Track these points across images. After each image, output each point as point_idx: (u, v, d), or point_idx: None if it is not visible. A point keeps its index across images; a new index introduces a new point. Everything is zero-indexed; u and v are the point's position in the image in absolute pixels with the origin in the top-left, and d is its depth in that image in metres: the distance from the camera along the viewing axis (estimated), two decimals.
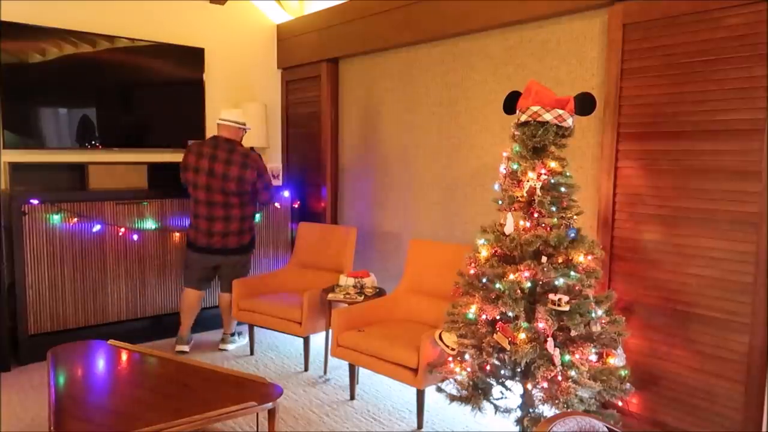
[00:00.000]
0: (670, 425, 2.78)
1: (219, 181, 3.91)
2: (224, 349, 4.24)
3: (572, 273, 2.51)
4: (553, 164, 2.58)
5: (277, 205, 4.87)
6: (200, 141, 4.12)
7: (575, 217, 2.61)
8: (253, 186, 4.01)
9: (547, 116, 2.54)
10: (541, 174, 2.57)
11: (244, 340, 4.39)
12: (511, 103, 2.72)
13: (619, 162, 2.95)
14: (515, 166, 2.66)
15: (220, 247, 4.04)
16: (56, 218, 3.87)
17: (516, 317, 2.54)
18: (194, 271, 4.11)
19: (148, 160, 4.61)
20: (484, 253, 2.71)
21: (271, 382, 2.64)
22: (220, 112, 4.10)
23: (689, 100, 2.67)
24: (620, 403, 2.84)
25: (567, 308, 2.47)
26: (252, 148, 4.34)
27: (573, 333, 2.50)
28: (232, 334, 4.31)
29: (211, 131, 4.97)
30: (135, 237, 4.19)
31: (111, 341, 3.16)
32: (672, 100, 2.73)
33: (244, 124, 4.09)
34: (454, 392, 2.83)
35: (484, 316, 2.65)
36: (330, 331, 3.57)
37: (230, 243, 4.05)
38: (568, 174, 2.62)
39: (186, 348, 4.12)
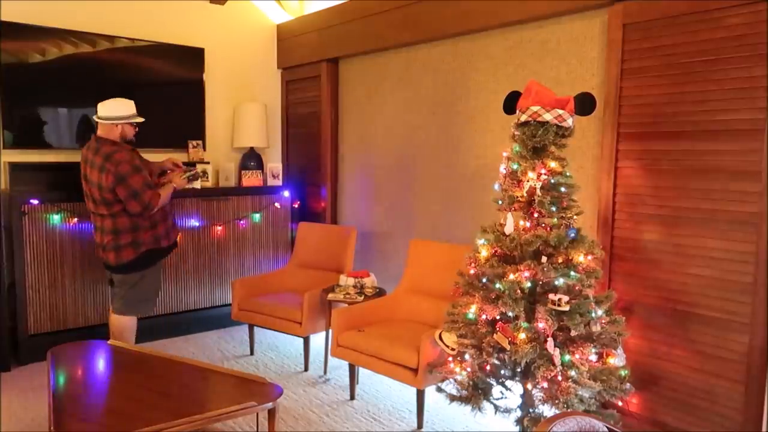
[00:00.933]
0: (670, 425, 2.78)
1: (87, 186, 3.41)
2: None
3: (572, 273, 2.51)
4: (553, 164, 2.58)
5: (277, 205, 4.87)
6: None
7: (575, 217, 2.61)
8: (113, 194, 3.31)
9: (547, 116, 2.54)
10: (541, 174, 2.57)
11: None
12: (511, 103, 2.72)
13: (619, 162, 2.94)
14: (515, 166, 2.66)
15: (104, 261, 3.53)
16: (56, 218, 3.88)
17: (516, 317, 2.54)
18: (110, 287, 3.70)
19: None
20: (484, 253, 2.71)
21: (271, 382, 2.64)
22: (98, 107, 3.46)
23: (689, 100, 2.67)
24: (620, 403, 2.83)
25: (567, 308, 2.47)
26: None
27: (573, 333, 2.50)
28: None
29: (211, 131, 4.98)
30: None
31: (111, 341, 3.15)
32: (672, 100, 2.73)
33: (121, 119, 3.40)
34: (454, 392, 2.83)
35: (484, 316, 2.65)
36: (330, 331, 3.57)
37: (109, 258, 3.46)
38: (568, 174, 2.62)
39: None
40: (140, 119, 3.52)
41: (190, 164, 4.08)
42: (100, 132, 3.42)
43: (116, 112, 3.41)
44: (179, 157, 4.74)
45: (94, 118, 3.43)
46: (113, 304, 3.62)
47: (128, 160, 3.33)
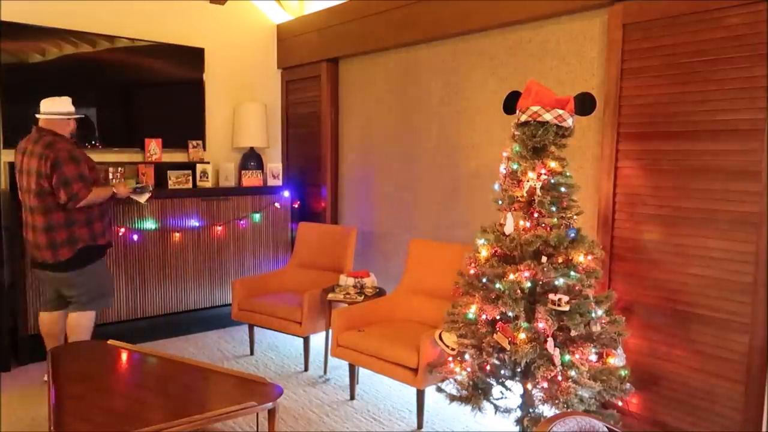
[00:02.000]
0: (670, 425, 2.78)
1: (33, 179, 3.28)
2: None
3: (572, 273, 2.51)
4: (553, 164, 2.58)
5: (277, 205, 4.87)
6: (26, 136, 3.46)
7: (575, 217, 2.61)
8: (49, 182, 3.24)
9: (547, 116, 2.54)
10: (541, 174, 2.57)
11: None
12: (511, 103, 2.72)
13: (619, 162, 2.94)
14: (515, 166, 2.66)
15: (38, 260, 3.39)
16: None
17: (516, 317, 2.54)
18: (44, 289, 3.62)
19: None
20: (484, 253, 2.71)
21: (271, 382, 2.64)
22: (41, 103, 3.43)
23: (689, 100, 2.67)
24: (620, 403, 2.83)
25: (567, 308, 2.46)
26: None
27: (573, 333, 2.50)
28: None
29: (211, 131, 4.98)
30: (135, 237, 4.19)
31: (111, 341, 3.15)
32: (672, 100, 2.73)
33: (72, 114, 3.46)
34: (454, 392, 2.83)
35: (484, 316, 2.65)
36: (330, 331, 3.57)
37: (44, 257, 3.34)
38: (568, 174, 2.62)
39: None
40: (79, 116, 3.58)
41: (141, 184, 3.99)
42: (46, 126, 3.38)
43: (68, 107, 3.45)
44: (180, 157, 4.76)
45: (44, 114, 3.37)
46: (68, 303, 3.49)
47: (68, 149, 3.32)
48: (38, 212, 3.31)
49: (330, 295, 3.69)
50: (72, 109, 3.47)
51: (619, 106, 2.92)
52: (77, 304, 3.47)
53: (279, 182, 4.96)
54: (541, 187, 2.57)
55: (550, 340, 2.45)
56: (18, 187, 3.42)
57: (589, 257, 2.56)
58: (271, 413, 2.48)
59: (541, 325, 2.46)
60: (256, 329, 4.16)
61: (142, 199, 3.93)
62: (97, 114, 4.38)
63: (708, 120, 2.62)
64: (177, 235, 4.40)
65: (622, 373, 2.61)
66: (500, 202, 2.72)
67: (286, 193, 4.93)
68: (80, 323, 3.47)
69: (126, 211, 4.16)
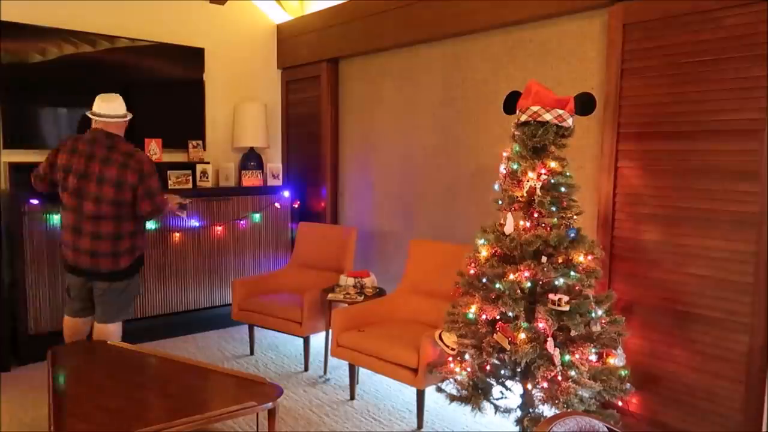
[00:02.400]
0: (670, 425, 2.78)
1: (93, 185, 3.13)
2: None
3: (572, 273, 2.51)
4: (553, 164, 2.58)
5: (277, 205, 4.87)
6: (76, 136, 3.34)
7: (575, 217, 2.61)
8: (133, 193, 3.17)
9: (547, 116, 2.54)
10: (541, 174, 2.57)
11: None
12: (511, 103, 2.72)
13: (619, 162, 2.94)
14: (515, 166, 2.66)
15: (89, 267, 3.21)
16: (56, 218, 3.87)
17: (516, 317, 2.54)
18: (70, 293, 3.39)
19: None
20: (484, 253, 2.71)
21: (271, 382, 2.64)
22: (95, 102, 3.31)
23: (689, 100, 2.67)
24: (620, 403, 2.83)
25: (567, 308, 2.46)
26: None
27: (573, 333, 2.50)
28: None
29: (211, 131, 4.98)
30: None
31: (111, 341, 3.15)
32: (672, 100, 2.73)
33: (126, 116, 3.34)
34: (454, 392, 2.83)
35: (484, 316, 2.65)
36: (330, 331, 3.56)
37: (101, 265, 3.20)
38: (568, 174, 2.62)
39: None
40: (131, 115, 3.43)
41: (186, 201, 3.93)
42: (109, 128, 3.23)
43: (124, 108, 3.32)
44: (180, 157, 4.76)
45: (100, 117, 3.24)
46: (96, 314, 3.34)
47: (149, 160, 3.28)
48: (108, 220, 3.17)
49: (330, 295, 3.69)
50: (125, 110, 3.34)
51: (619, 106, 2.92)
52: (106, 315, 3.32)
53: (279, 182, 4.96)
54: (541, 187, 2.57)
55: (550, 340, 2.45)
56: (61, 188, 3.23)
57: (589, 257, 2.56)
58: (271, 413, 2.48)
59: (541, 325, 2.46)
60: (256, 329, 4.16)
61: (183, 214, 3.98)
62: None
63: (708, 120, 2.62)
64: (177, 235, 4.40)
65: (622, 373, 2.61)
66: (500, 202, 2.72)
67: (286, 193, 4.93)
68: (108, 334, 3.33)
69: None
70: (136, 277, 3.43)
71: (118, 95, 3.35)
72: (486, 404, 2.77)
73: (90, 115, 3.28)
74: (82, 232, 3.18)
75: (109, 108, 3.26)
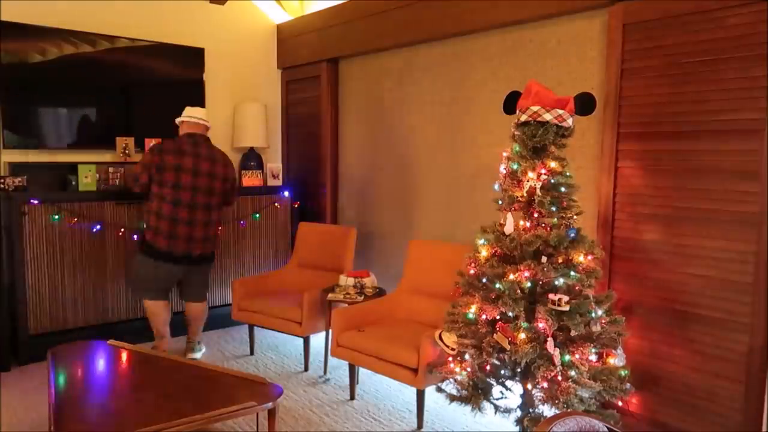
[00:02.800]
0: (670, 425, 2.78)
1: (205, 180, 3.70)
2: (194, 358, 3.97)
3: (572, 273, 2.51)
4: (553, 164, 2.58)
5: (277, 205, 4.87)
6: (172, 139, 3.79)
7: (575, 217, 2.61)
8: (232, 185, 3.90)
9: (547, 116, 2.54)
10: (541, 174, 2.57)
11: (204, 348, 4.18)
12: (511, 103, 2.72)
13: (619, 162, 2.95)
14: (515, 166, 2.66)
15: (199, 253, 3.79)
16: (56, 218, 3.87)
17: (516, 317, 2.54)
18: (159, 281, 3.80)
19: None
20: (484, 253, 2.71)
21: (271, 382, 2.64)
22: (185, 109, 3.85)
23: (689, 100, 2.67)
24: (620, 403, 2.84)
25: (567, 308, 2.46)
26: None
27: (573, 333, 2.50)
28: (199, 342, 4.11)
29: (211, 131, 4.95)
30: (135, 237, 4.18)
31: (111, 341, 3.16)
32: (672, 100, 2.73)
33: (208, 121, 3.90)
34: (454, 392, 2.83)
35: (484, 316, 2.65)
36: (330, 331, 3.56)
37: (207, 249, 3.84)
38: (568, 174, 2.62)
39: (199, 354, 4.06)
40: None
41: None
42: (202, 132, 3.80)
43: (206, 115, 3.86)
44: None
45: (194, 119, 3.77)
46: (192, 294, 3.97)
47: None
48: (209, 209, 3.75)
49: (330, 295, 3.69)
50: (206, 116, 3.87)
51: (619, 106, 2.92)
52: (204, 293, 4.02)
53: (279, 182, 4.96)
54: (541, 187, 2.57)
55: (550, 340, 2.45)
56: (164, 184, 3.62)
57: (589, 257, 2.56)
58: (271, 413, 2.48)
59: (541, 325, 2.46)
60: (256, 329, 4.16)
61: None
62: (97, 114, 4.37)
63: (708, 120, 2.62)
64: None
65: (622, 373, 2.61)
66: (500, 202, 2.72)
67: (286, 193, 4.93)
68: (205, 310, 4.03)
69: (126, 211, 4.15)
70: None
71: (202, 108, 4.03)
72: (486, 404, 2.77)
73: (188, 119, 3.79)
74: (195, 222, 3.70)
75: (202, 114, 3.82)
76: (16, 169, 4.01)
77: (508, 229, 2.64)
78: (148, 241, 3.72)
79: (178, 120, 3.85)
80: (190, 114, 3.79)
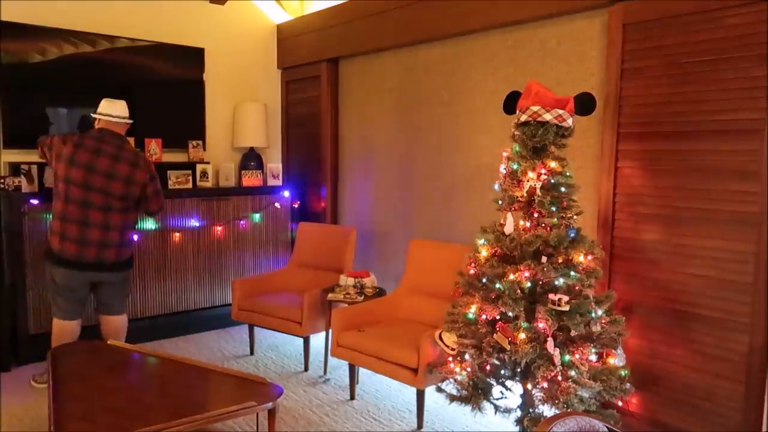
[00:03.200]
0: (670, 425, 2.78)
1: (101, 178, 3.25)
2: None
3: (572, 273, 2.51)
4: (553, 164, 2.58)
5: (277, 205, 4.87)
6: (83, 133, 3.43)
7: (575, 217, 2.61)
8: (142, 191, 3.39)
9: (547, 116, 2.54)
10: (541, 174, 2.57)
11: None
12: (511, 103, 2.72)
13: (619, 162, 2.94)
14: (515, 166, 2.66)
15: (94, 261, 3.30)
16: None
17: (516, 317, 2.54)
18: (68, 294, 3.34)
19: None
20: (484, 253, 2.71)
21: (271, 382, 2.64)
22: (102, 102, 3.44)
23: (689, 100, 2.67)
24: (620, 403, 2.83)
25: (567, 308, 2.46)
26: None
27: (573, 333, 2.50)
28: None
29: (211, 131, 4.98)
30: (135, 237, 4.18)
31: (111, 341, 3.15)
32: (672, 100, 2.73)
33: (128, 119, 3.48)
34: (454, 392, 2.83)
35: (484, 316, 2.65)
36: (330, 331, 3.56)
37: (108, 256, 3.33)
38: (568, 174, 2.62)
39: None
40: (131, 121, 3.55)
41: None
42: (116, 128, 3.40)
43: (127, 112, 3.48)
44: (180, 157, 4.76)
45: (107, 117, 3.38)
46: (106, 308, 3.51)
47: (150, 161, 3.52)
48: (111, 212, 3.32)
49: (330, 295, 3.69)
50: (127, 113, 3.49)
51: (619, 106, 2.92)
52: (117, 306, 3.56)
53: (279, 182, 4.96)
54: (541, 187, 2.57)
55: (550, 340, 2.45)
56: (63, 179, 3.25)
57: (589, 257, 2.56)
58: (271, 413, 2.48)
59: (541, 325, 2.46)
60: (256, 329, 4.16)
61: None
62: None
63: (708, 120, 2.62)
64: (177, 235, 4.39)
65: (622, 373, 2.61)
66: (500, 202, 2.72)
67: (286, 193, 4.93)
68: (123, 325, 3.60)
69: None
70: (131, 270, 3.63)
71: (122, 101, 3.49)
72: (486, 404, 2.77)
73: (96, 115, 3.42)
74: (89, 224, 3.28)
75: (116, 110, 3.42)
76: (16, 169, 4.00)
77: (508, 229, 2.64)
78: (47, 244, 3.38)
79: (93, 115, 3.46)
80: (104, 111, 3.39)
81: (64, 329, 3.38)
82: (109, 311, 3.54)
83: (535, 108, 2.56)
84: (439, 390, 2.94)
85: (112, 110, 3.40)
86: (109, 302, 3.53)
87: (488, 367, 2.71)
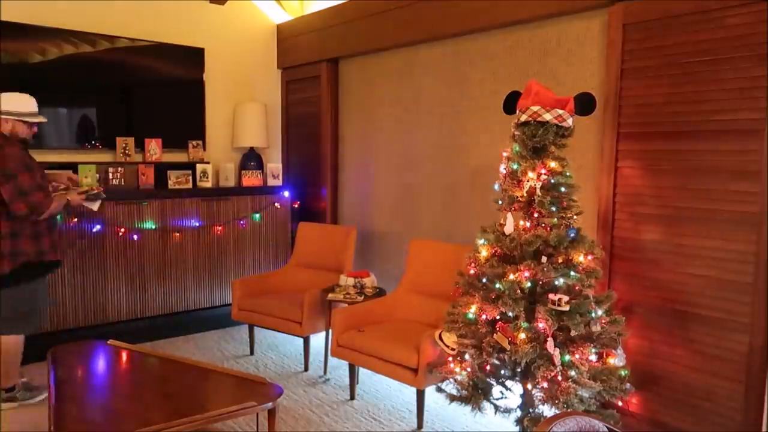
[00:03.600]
0: (670, 425, 2.78)
1: None
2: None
3: (572, 273, 2.51)
4: (553, 164, 2.58)
5: (277, 205, 4.87)
6: None
7: (575, 217, 2.61)
8: None
9: (547, 116, 2.54)
10: (541, 174, 2.57)
11: (34, 397, 3.28)
12: (511, 103, 2.72)
13: (619, 162, 2.94)
14: (515, 166, 2.66)
15: None
16: (56, 218, 3.86)
17: (516, 317, 2.54)
18: None
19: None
20: (484, 253, 2.71)
21: (271, 382, 2.64)
22: None
23: (689, 100, 2.67)
24: (620, 403, 2.83)
25: (567, 308, 2.46)
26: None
27: (573, 333, 2.50)
28: (10, 389, 3.22)
29: (211, 131, 4.98)
30: (135, 237, 4.19)
31: (111, 341, 3.15)
32: (672, 100, 2.73)
33: (11, 114, 3.08)
34: (454, 392, 2.83)
35: (484, 316, 2.65)
36: (330, 331, 3.56)
37: None
38: (568, 174, 2.62)
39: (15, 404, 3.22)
40: (40, 119, 3.21)
41: (94, 191, 3.57)
42: None
43: (10, 106, 3.08)
44: (180, 157, 4.76)
45: None
46: None
47: (18, 156, 3.01)
48: None
49: (330, 295, 3.69)
50: (16, 108, 3.09)
51: (619, 106, 2.92)
52: (3, 325, 3.10)
53: (279, 182, 4.96)
54: (541, 187, 2.57)
55: (550, 340, 2.45)
56: None
57: (589, 257, 2.56)
58: (271, 413, 2.48)
59: (541, 325, 2.46)
60: (256, 329, 4.16)
61: (95, 206, 3.59)
62: (96, 114, 4.38)
63: (708, 120, 2.62)
64: (177, 235, 4.40)
65: (622, 373, 2.61)
66: (500, 202, 2.72)
67: (286, 193, 4.93)
68: (8, 345, 3.13)
69: (125, 211, 4.16)
70: (31, 289, 3.16)
71: (20, 94, 3.15)
72: (486, 404, 2.77)
73: None
74: None
75: None
76: None
77: (508, 229, 2.64)
78: None
79: None
80: None
81: None
82: None
83: (535, 108, 2.56)
84: (439, 390, 2.94)
85: None
86: None
87: (488, 367, 2.71)
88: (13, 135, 3.10)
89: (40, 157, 4.14)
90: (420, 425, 3.11)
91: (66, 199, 3.28)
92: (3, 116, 3.05)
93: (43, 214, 3.08)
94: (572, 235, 2.57)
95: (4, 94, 3.11)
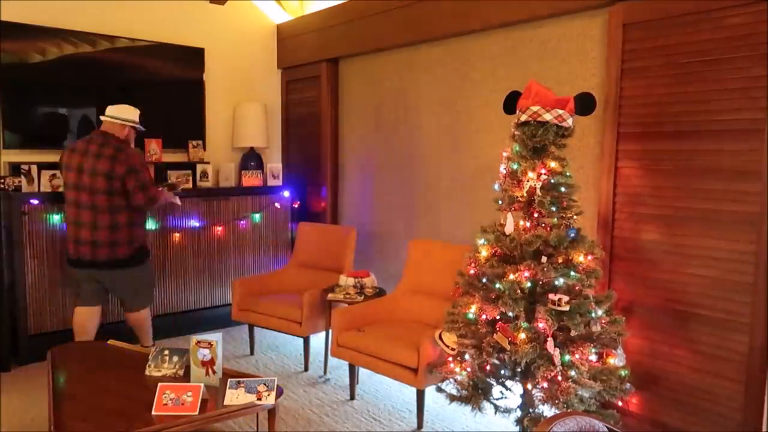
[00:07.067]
0: (670, 425, 2.78)
1: (88, 178, 3.36)
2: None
3: (572, 273, 2.51)
4: (553, 164, 2.58)
5: (277, 205, 4.87)
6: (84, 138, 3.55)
7: (575, 217, 2.61)
8: (123, 185, 3.38)
9: (547, 116, 2.54)
10: (541, 174, 2.57)
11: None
12: (511, 103, 2.72)
13: (619, 162, 2.94)
14: (515, 166, 2.66)
15: (90, 259, 3.44)
16: (56, 218, 3.87)
17: (516, 317, 2.54)
18: (77, 285, 3.58)
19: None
20: (484, 253, 2.71)
21: None
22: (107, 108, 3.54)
23: (690, 100, 2.67)
24: (620, 403, 2.83)
25: (567, 308, 2.46)
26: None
27: (573, 333, 2.50)
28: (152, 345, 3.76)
29: (211, 131, 4.98)
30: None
31: (111, 341, 3.15)
32: (672, 100, 2.73)
33: (130, 122, 3.53)
34: (454, 392, 2.83)
35: (484, 316, 2.65)
36: (330, 331, 3.57)
37: (100, 255, 3.43)
38: (568, 174, 2.62)
39: None
40: (142, 128, 3.65)
41: (171, 184, 4.05)
42: (107, 129, 3.49)
43: (127, 114, 3.54)
44: (180, 157, 4.76)
45: (105, 116, 3.50)
46: (122, 305, 3.71)
47: (139, 155, 3.62)
48: (98, 212, 3.40)
49: (330, 295, 3.69)
50: (132, 117, 3.56)
51: (619, 106, 2.92)
52: (128, 303, 3.66)
53: (279, 182, 4.96)
54: (541, 187, 2.57)
55: (550, 340, 2.45)
56: (64, 184, 3.51)
57: (589, 257, 2.56)
58: (271, 413, 2.48)
59: (541, 325, 2.46)
60: (256, 329, 4.16)
61: (178, 200, 4.03)
62: (96, 114, 4.37)
63: (708, 120, 2.62)
64: (177, 235, 4.39)
65: (622, 373, 2.61)
66: (500, 202, 2.72)
67: (286, 193, 4.93)
68: (140, 322, 3.72)
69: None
70: (143, 268, 3.66)
71: (130, 107, 3.60)
72: (486, 404, 2.77)
73: (103, 118, 3.53)
74: (81, 224, 3.42)
75: (111, 111, 3.51)
76: (16, 169, 4.00)
77: (508, 229, 2.64)
78: None
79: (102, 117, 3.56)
80: (107, 113, 3.51)
81: (79, 313, 3.58)
82: (124, 307, 3.70)
83: (535, 108, 2.56)
84: (439, 390, 2.94)
85: (110, 110, 3.51)
86: (121, 298, 3.72)
87: (488, 367, 2.71)
88: (129, 139, 3.59)
89: (41, 157, 4.16)
90: (420, 425, 3.11)
91: (164, 197, 3.76)
92: (122, 123, 3.52)
93: (155, 205, 3.63)
94: (572, 235, 2.57)
95: (118, 106, 3.55)
